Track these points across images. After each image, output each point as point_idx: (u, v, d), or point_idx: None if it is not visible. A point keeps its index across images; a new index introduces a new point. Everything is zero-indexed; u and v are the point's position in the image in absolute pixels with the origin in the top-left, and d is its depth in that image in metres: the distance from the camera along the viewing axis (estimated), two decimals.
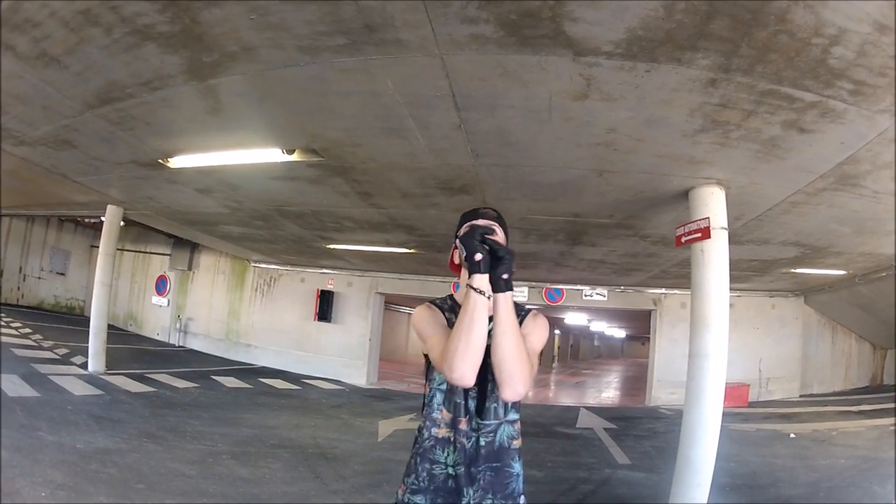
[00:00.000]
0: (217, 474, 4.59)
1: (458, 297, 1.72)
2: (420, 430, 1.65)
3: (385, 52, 3.01)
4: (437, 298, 1.77)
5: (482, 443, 1.56)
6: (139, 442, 5.17)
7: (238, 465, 4.90)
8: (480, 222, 1.68)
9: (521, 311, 1.69)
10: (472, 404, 1.58)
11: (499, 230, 1.67)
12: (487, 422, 1.57)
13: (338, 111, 3.91)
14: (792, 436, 7.74)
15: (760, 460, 6.29)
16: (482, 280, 1.48)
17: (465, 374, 1.44)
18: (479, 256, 1.49)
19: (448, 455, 1.57)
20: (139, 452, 4.85)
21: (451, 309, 1.71)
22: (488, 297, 1.48)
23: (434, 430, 1.60)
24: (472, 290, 1.47)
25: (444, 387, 1.61)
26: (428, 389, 1.66)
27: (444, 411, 1.59)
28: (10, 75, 3.79)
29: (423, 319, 1.67)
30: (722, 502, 4.55)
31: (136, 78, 3.65)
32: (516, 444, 1.61)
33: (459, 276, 1.72)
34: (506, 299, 1.49)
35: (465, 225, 1.68)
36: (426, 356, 1.66)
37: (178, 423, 6.16)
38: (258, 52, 3.14)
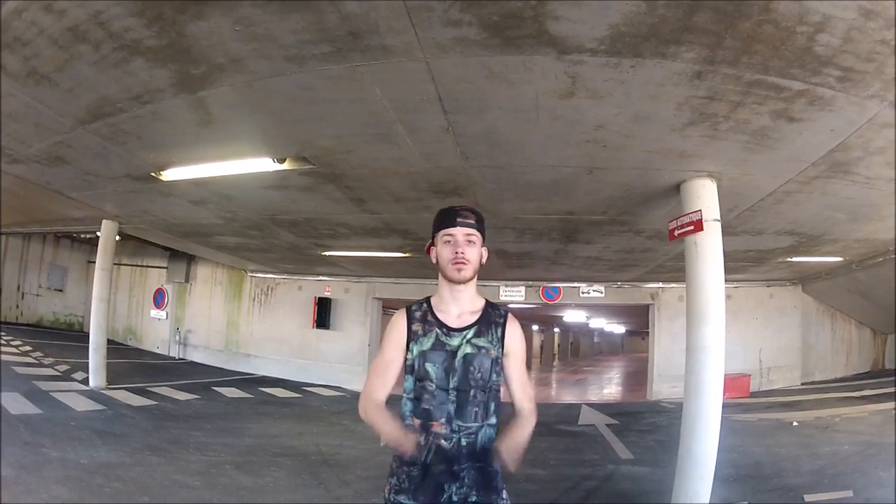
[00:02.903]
0: (221, 485, 4.60)
1: (434, 302, 1.79)
2: None
3: (371, 59, 3.03)
4: (415, 303, 1.82)
5: (463, 443, 1.67)
6: (142, 455, 5.17)
7: (241, 475, 4.90)
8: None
9: (499, 317, 1.78)
10: (451, 408, 1.68)
11: (477, 240, 1.75)
12: (468, 424, 1.68)
13: (327, 119, 3.93)
14: (795, 424, 7.76)
15: (764, 450, 6.30)
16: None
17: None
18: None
19: (426, 457, 1.67)
20: (143, 465, 4.85)
21: (422, 318, 1.76)
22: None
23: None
24: (409, 435, 1.63)
25: (412, 395, 1.72)
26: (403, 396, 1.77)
27: (415, 419, 1.71)
28: (2, 94, 3.79)
29: (387, 336, 1.77)
30: (726, 495, 4.56)
31: (126, 93, 3.66)
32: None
33: (432, 259, 1.79)
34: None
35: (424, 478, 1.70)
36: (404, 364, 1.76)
37: (181, 435, 6.16)
38: (245, 62, 3.15)
